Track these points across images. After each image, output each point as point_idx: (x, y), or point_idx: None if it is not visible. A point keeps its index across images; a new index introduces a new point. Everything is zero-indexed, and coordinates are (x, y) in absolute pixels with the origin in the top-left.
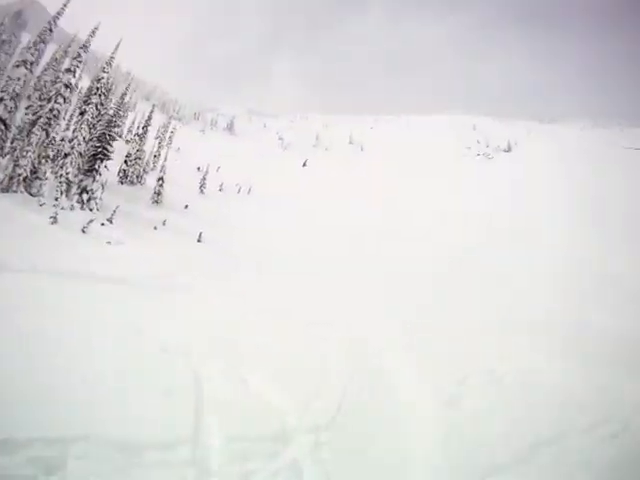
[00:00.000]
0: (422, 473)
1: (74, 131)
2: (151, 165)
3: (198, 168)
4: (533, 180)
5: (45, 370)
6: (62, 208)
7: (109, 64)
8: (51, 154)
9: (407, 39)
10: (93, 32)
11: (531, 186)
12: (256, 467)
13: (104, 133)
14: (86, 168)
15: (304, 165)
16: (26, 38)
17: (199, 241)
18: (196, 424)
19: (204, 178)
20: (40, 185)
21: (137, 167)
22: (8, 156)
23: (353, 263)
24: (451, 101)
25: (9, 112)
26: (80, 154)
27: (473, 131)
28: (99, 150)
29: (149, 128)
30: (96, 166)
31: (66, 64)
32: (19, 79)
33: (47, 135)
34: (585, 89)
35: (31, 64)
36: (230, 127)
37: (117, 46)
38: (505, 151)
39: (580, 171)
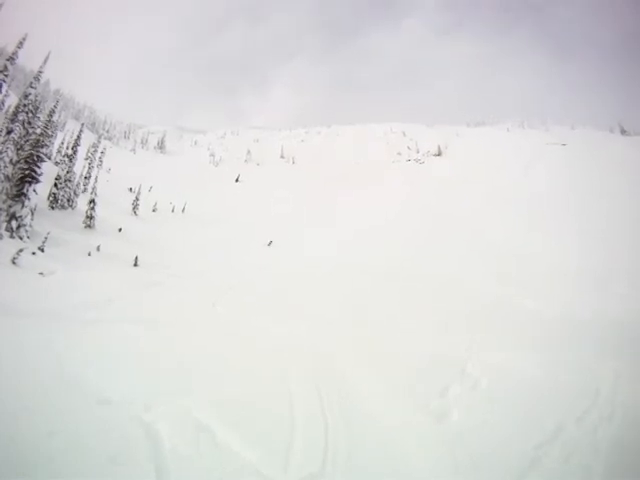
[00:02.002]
0: None
1: (0, 152)
2: (82, 187)
3: (130, 189)
4: (463, 179)
5: None
6: None
7: (37, 79)
8: None
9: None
10: (20, 43)
11: (461, 184)
12: None
13: (32, 154)
14: (14, 193)
15: (237, 180)
16: None
17: (135, 265)
18: None
19: (137, 199)
20: None
21: (67, 190)
22: None
23: (291, 270)
24: (385, 112)
25: None
26: (7, 177)
27: (403, 137)
28: (27, 173)
29: (79, 148)
30: (25, 190)
31: None
32: None
33: None
34: (512, 90)
35: None
36: (161, 145)
37: (46, 60)
38: (435, 155)
39: (507, 166)
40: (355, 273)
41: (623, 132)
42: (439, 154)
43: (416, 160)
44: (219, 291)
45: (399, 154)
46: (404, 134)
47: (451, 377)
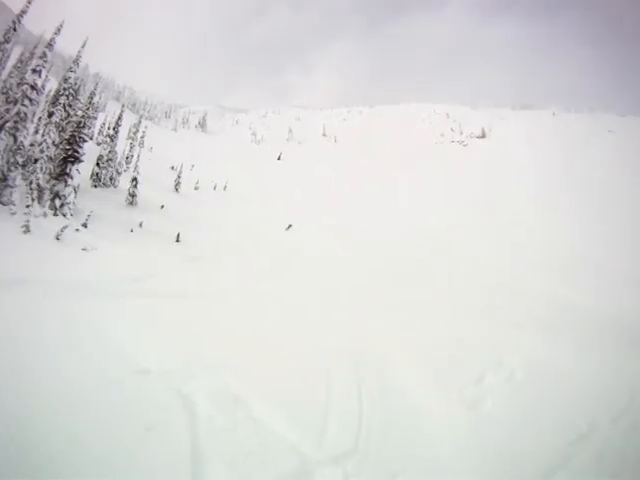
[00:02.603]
0: None
1: (43, 134)
2: (124, 166)
3: (172, 167)
4: (509, 164)
5: None
6: (34, 216)
7: (76, 63)
8: (20, 160)
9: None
10: (58, 30)
11: (507, 169)
12: None
13: (74, 135)
14: (57, 173)
15: (278, 159)
16: None
17: (177, 241)
18: (194, 470)
19: (179, 177)
20: (10, 193)
21: (110, 169)
22: None
23: (340, 250)
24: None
25: None
26: (50, 158)
27: (447, 119)
28: (70, 153)
29: (120, 128)
30: (67, 170)
31: (32, 65)
32: None
33: (15, 140)
34: (559, 74)
35: None
36: (202, 124)
37: (84, 44)
38: (479, 137)
39: (553, 153)
40: (398, 252)
41: None
42: (483, 136)
43: (459, 142)
44: (260, 268)
45: (442, 135)
46: (447, 116)
47: (487, 366)
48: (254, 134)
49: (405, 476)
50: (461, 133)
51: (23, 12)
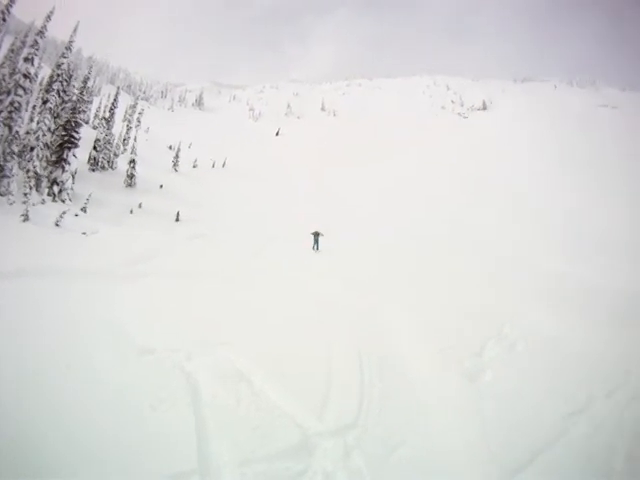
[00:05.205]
0: (464, 465)
1: (38, 122)
2: (121, 148)
3: (170, 146)
4: (512, 137)
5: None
6: (33, 204)
7: (68, 49)
8: (16, 149)
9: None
10: (49, 17)
11: (507, 142)
12: None
13: (69, 120)
14: (54, 159)
15: (277, 134)
16: None
17: (177, 220)
18: (200, 447)
19: (177, 156)
20: (8, 183)
21: (107, 152)
22: None
23: (336, 223)
24: (429, 65)
25: None
26: (46, 145)
27: (447, 91)
28: (66, 139)
29: (116, 111)
30: (64, 156)
31: (24, 54)
32: None
33: (10, 130)
34: (562, 47)
35: None
36: (199, 102)
37: (75, 29)
38: (480, 110)
39: (557, 127)
40: (392, 222)
41: None
42: (484, 109)
43: (460, 114)
44: (259, 244)
45: (443, 108)
46: (448, 87)
47: (488, 337)
48: (252, 110)
49: (404, 448)
50: (462, 105)
51: (12, 1)
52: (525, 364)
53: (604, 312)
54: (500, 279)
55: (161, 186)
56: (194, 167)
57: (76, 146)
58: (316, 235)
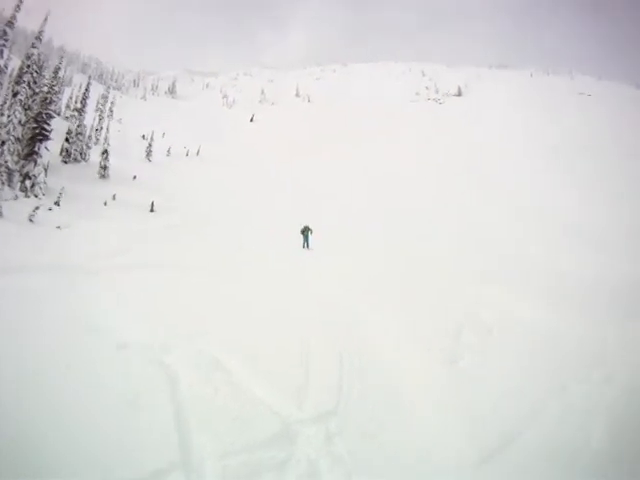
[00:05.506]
0: (442, 449)
1: (8, 115)
2: (94, 139)
3: (143, 136)
4: (487, 123)
5: None
6: (5, 200)
7: (39, 39)
8: None
9: None
10: (18, 6)
11: (485, 129)
12: None
13: (40, 112)
14: (26, 153)
15: (251, 121)
16: None
17: (152, 211)
18: (181, 440)
19: (150, 145)
20: None
21: (79, 143)
22: None
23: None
24: (404, 51)
25: None
26: (17, 139)
27: (422, 77)
28: (37, 131)
29: (87, 101)
30: (36, 149)
31: None
32: None
33: None
34: (538, 35)
35: None
36: (172, 90)
37: (46, 18)
38: (455, 95)
39: (532, 115)
40: (369, 209)
41: None
42: (459, 94)
43: (435, 100)
44: (234, 234)
45: (417, 94)
46: (423, 74)
47: (465, 322)
48: (225, 97)
49: (384, 435)
50: (437, 91)
51: None
52: (500, 349)
53: (596, 305)
54: (475, 263)
55: (135, 177)
56: (168, 156)
57: (48, 138)
58: (305, 231)
